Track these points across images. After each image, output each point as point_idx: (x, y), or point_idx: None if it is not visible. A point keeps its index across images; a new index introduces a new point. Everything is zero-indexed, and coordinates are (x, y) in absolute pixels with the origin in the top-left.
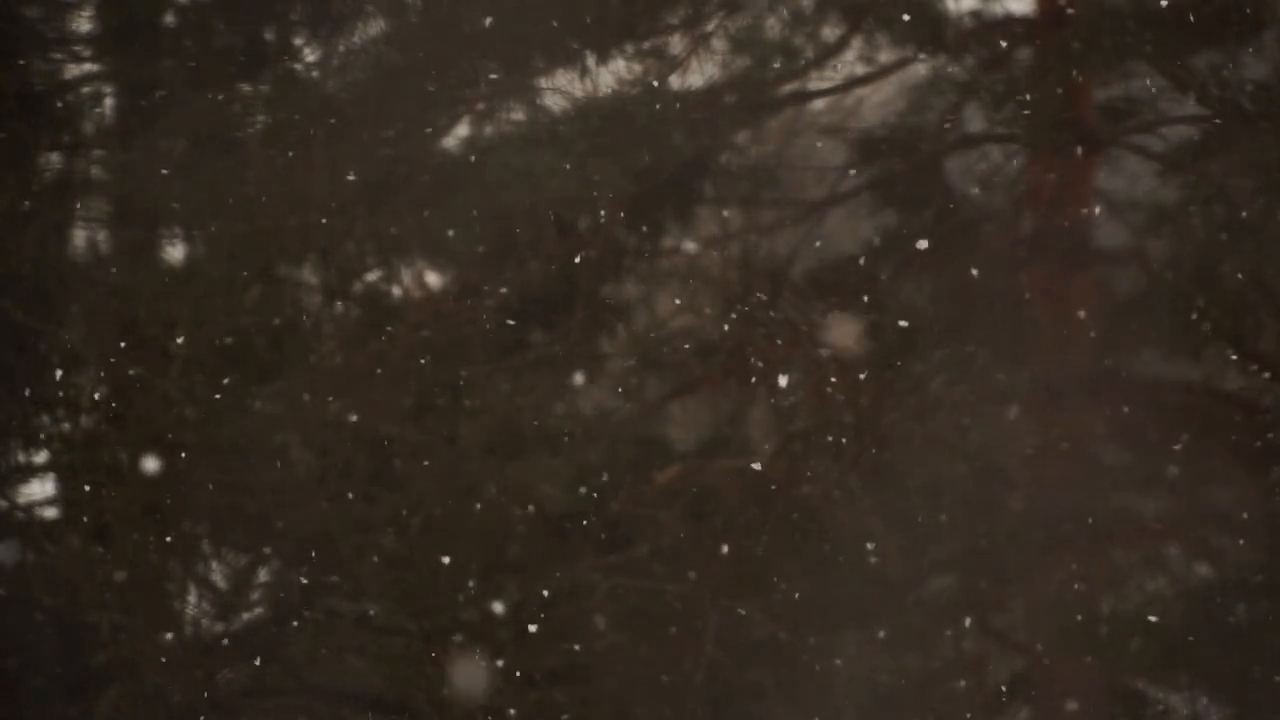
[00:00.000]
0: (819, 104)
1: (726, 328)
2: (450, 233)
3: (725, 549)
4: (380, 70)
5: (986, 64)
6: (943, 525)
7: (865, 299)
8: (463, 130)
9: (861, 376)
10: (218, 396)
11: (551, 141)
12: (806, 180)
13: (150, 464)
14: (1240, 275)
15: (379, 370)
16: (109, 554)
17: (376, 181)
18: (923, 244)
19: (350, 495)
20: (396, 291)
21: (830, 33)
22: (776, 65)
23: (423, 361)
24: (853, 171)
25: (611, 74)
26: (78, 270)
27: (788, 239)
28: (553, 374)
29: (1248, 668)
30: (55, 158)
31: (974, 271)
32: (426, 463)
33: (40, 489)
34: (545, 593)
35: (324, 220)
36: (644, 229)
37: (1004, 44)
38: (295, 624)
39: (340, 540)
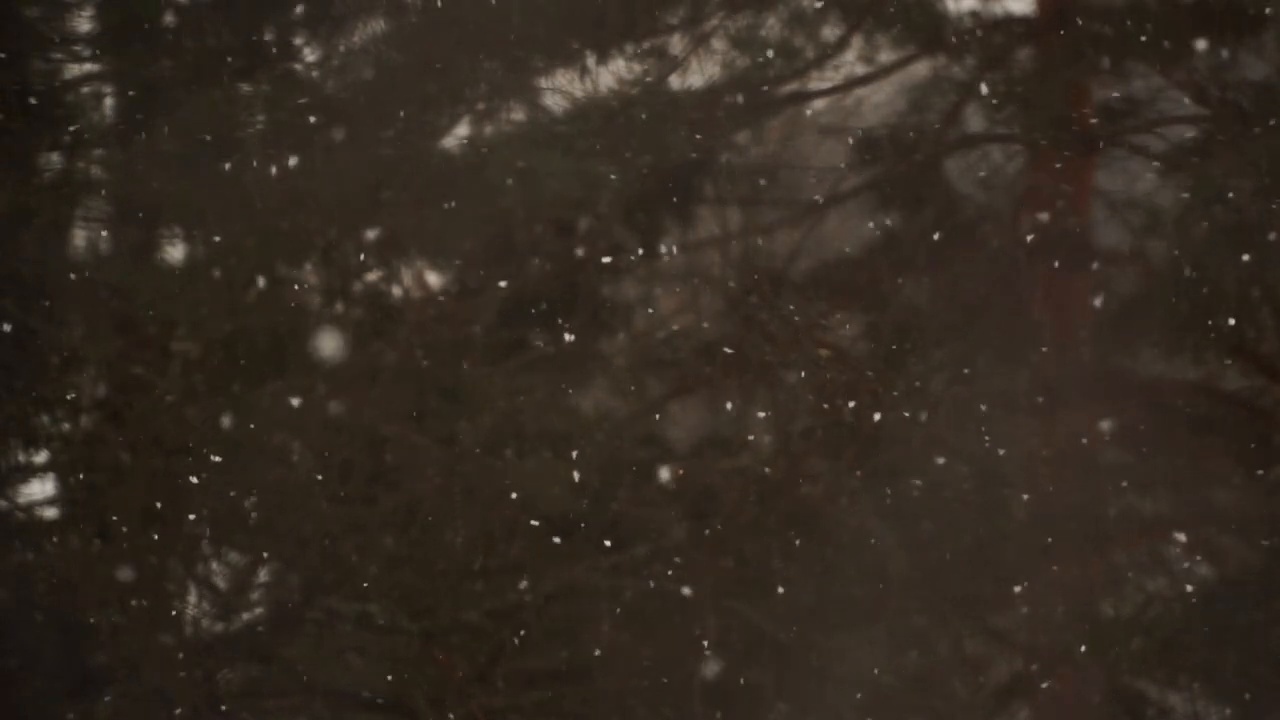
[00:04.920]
0: (819, 104)
1: (726, 328)
2: (450, 233)
3: (725, 549)
4: (380, 70)
5: (986, 64)
6: (943, 525)
7: (865, 299)
8: (463, 130)
9: (861, 376)
10: (218, 397)
11: (551, 141)
12: (806, 180)
13: (150, 464)
14: (1240, 275)
15: (379, 370)
16: (109, 554)
17: (376, 181)
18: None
19: (350, 495)
20: (396, 291)
21: (830, 33)
22: (776, 65)
23: (423, 361)
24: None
25: (611, 74)
26: (78, 270)
27: (788, 239)
28: (553, 374)
29: (1248, 668)
30: (55, 158)
31: (974, 271)
32: (426, 464)
33: (40, 489)
34: (545, 593)
35: (324, 220)
36: (644, 229)
37: (1004, 44)
38: (295, 624)
39: (340, 540)
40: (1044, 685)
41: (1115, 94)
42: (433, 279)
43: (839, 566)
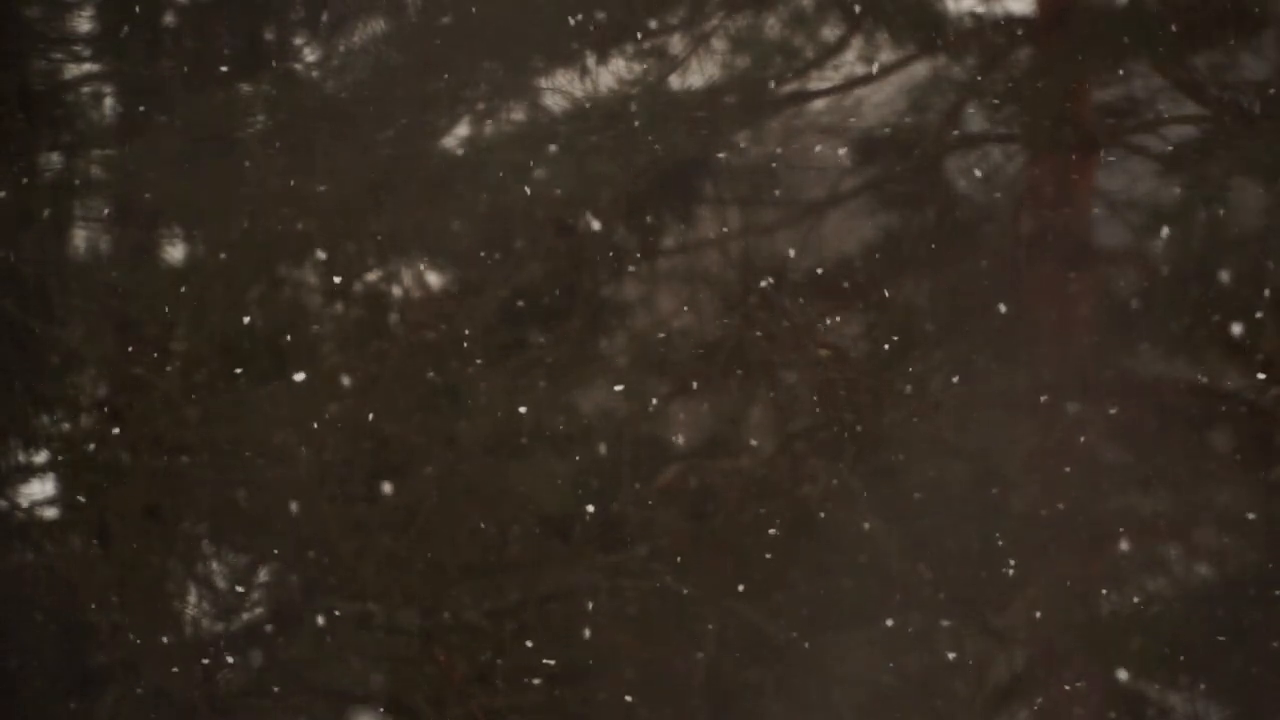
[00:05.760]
0: (819, 104)
1: (726, 328)
2: (450, 233)
3: (725, 549)
4: (380, 70)
5: (986, 64)
6: (943, 525)
7: (865, 299)
8: (463, 130)
9: (861, 376)
10: (218, 397)
11: (551, 141)
12: (806, 180)
13: (150, 464)
14: (1240, 275)
15: (379, 370)
16: (109, 554)
17: (376, 181)
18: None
19: (350, 495)
20: (396, 291)
21: (830, 33)
22: (776, 65)
23: (423, 361)
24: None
25: (611, 74)
26: (78, 270)
27: (788, 239)
28: (553, 374)
29: (1248, 668)
30: (55, 158)
31: (974, 272)
32: (426, 464)
33: (40, 489)
34: (545, 593)
35: (324, 220)
36: (644, 229)
37: (1004, 44)
38: (295, 624)
39: (340, 540)
40: (1044, 685)
41: (1115, 94)
42: (433, 279)
43: (839, 567)
